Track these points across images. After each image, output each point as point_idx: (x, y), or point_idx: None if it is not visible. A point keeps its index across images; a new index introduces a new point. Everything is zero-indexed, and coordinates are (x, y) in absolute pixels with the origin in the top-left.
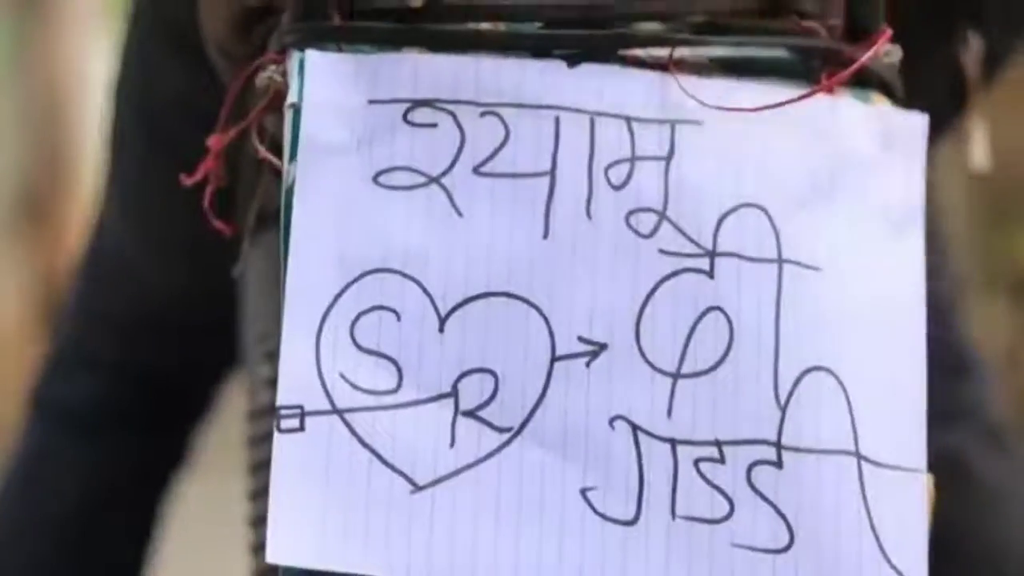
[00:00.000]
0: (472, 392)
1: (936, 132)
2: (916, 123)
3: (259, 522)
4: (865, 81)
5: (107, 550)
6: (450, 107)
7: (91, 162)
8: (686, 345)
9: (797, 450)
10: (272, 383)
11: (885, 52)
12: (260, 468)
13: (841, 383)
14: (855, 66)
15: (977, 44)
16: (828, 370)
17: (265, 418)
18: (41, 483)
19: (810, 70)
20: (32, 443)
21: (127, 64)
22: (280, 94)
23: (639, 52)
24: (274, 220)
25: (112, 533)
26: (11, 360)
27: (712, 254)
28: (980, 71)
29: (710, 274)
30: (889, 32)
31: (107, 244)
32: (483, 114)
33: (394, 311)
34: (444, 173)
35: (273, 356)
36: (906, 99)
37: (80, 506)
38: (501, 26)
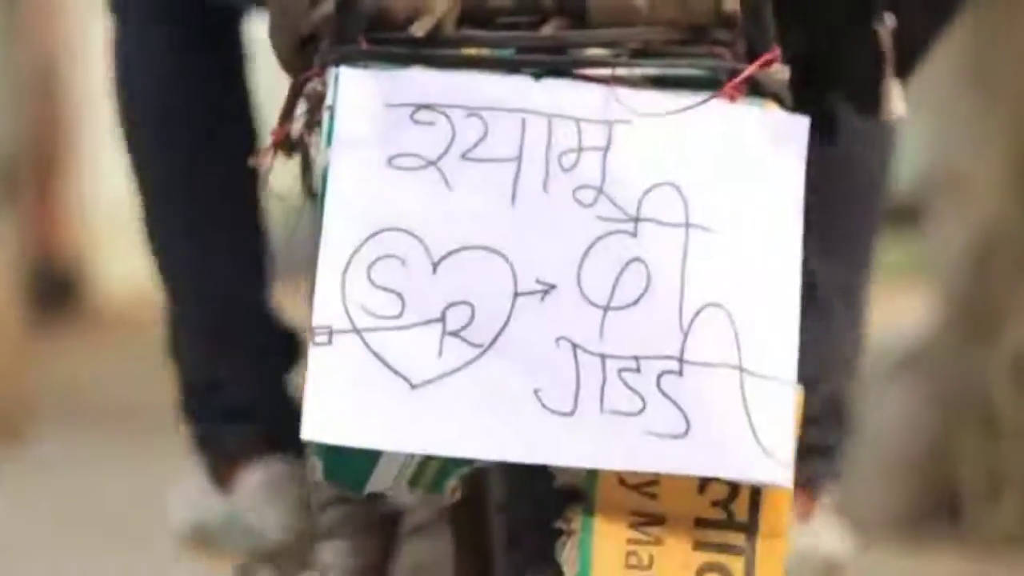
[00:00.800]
0: (455, 318)
1: (861, 102)
2: (799, 123)
3: None
4: (761, 91)
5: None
6: (445, 110)
7: (87, 131)
8: (614, 286)
9: (694, 364)
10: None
11: (776, 70)
12: None
13: (730, 315)
14: (743, 76)
15: (891, 24)
16: (720, 305)
17: None
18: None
19: (719, 84)
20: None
21: None
22: (321, 98)
23: (588, 71)
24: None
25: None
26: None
27: (636, 220)
28: (897, 50)
29: (633, 234)
30: (776, 53)
31: None
32: (469, 115)
33: (399, 258)
34: (439, 158)
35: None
36: (826, 76)
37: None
38: (484, 51)
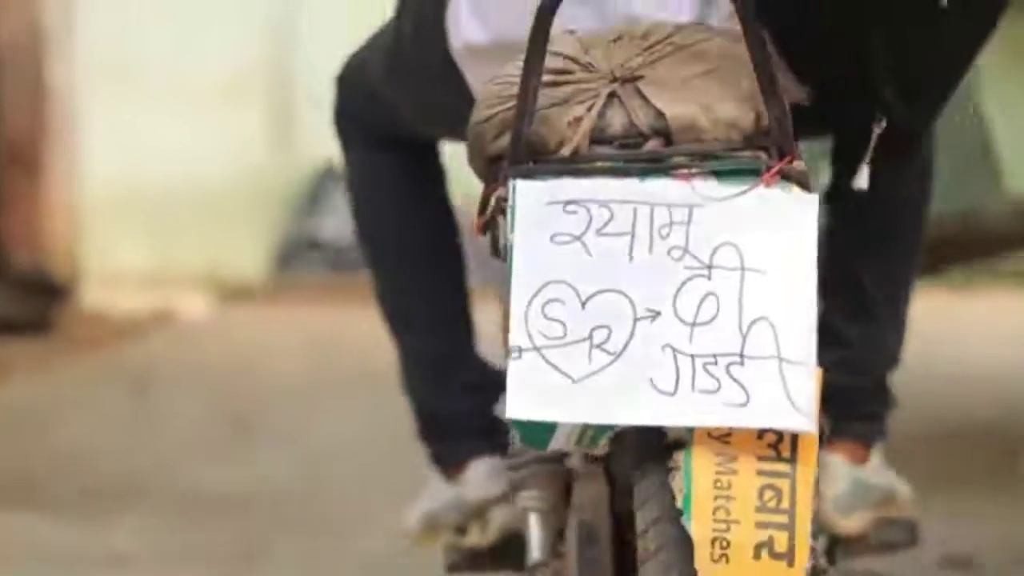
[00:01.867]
0: (598, 337)
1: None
2: (811, 199)
3: None
4: (788, 178)
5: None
6: (585, 203)
7: (75, 109)
8: (697, 311)
9: (750, 357)
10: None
11: (797, 165)
12: None
13: (772, 325)
14: (775, 169)
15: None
16: (765, 318)
17: None
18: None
19: (759, 173)
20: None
21: None
22: (505, 200)
23: (674, 172)
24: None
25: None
26: None
27: (710, 267)
28: (887, 139)
29: (708, 278)
30: (796, 152)
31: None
32: (600, 207)
33: (561, 300)
34: (582, 235)
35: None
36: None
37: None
38: (607, 163)
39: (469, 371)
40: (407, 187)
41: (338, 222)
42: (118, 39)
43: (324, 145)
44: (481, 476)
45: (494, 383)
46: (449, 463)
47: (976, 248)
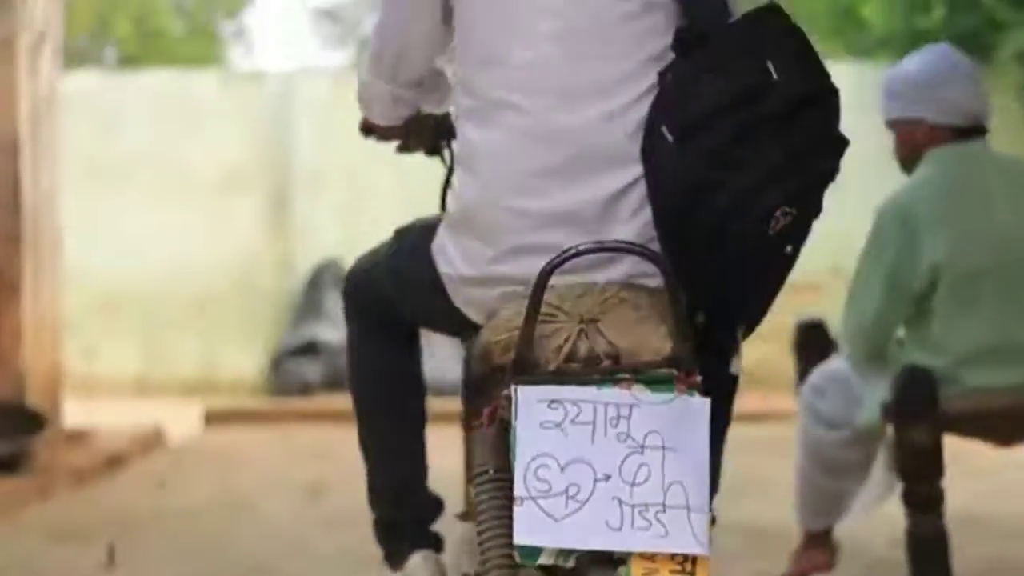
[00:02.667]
0: (571, 491)
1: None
2: (706, 402)
3: None
4: (692, 388)
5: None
6: (563, 402)
7: (55, 220)
8: (635, 475)
9: (669, 507)
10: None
11: (696, 381)
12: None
13: (683, 485)
14: (684, 383)
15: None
16: (679, 482)
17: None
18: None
19: (675, 383)
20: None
21: None
22: (509, 399)
23: (620, 382)
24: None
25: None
26: None
27: (643, 447)
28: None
29: (642, 453)
30: (696, 375)
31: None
32: (573, 404)
33: (548, 466)
34: (560, 424)
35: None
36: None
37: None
38: (578, 376)
39: (418, 495)
40: (392, 360)
41: (334, 326)
42: (105, 139)
43: (320, 241)
44: (419, 565)
45: (435, 504)
46: (396, 560)
47: None
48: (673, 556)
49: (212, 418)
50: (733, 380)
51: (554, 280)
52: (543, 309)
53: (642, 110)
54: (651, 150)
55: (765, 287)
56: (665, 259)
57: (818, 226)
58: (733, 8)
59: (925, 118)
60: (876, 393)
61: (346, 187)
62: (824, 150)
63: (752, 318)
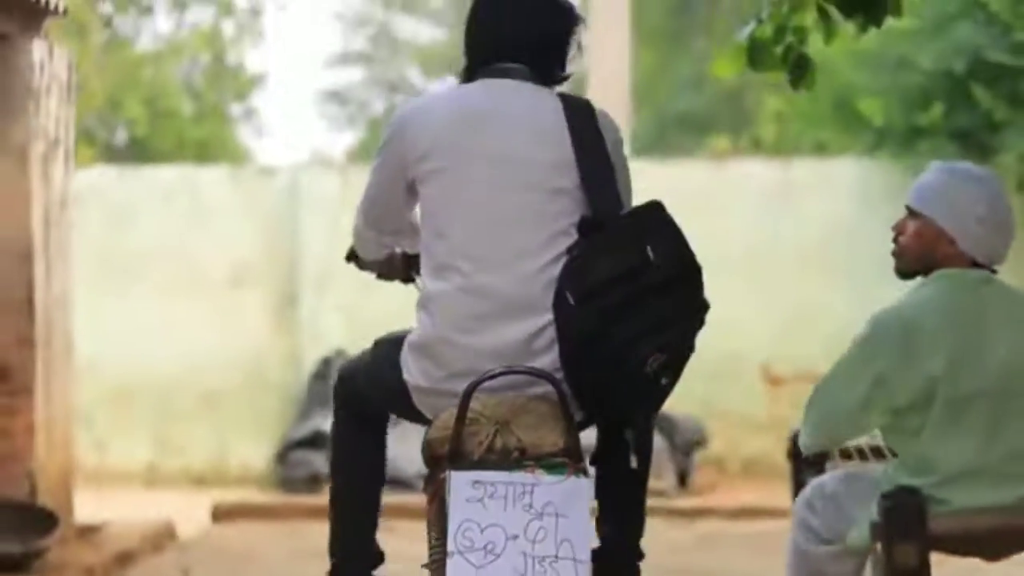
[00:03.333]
0: (488, 547)
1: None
2: (590, 483)
3: None
4: (579, 472)
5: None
6: (484, 483)
7: (68, 320)
8: (536, 534)
9: (560, 558)
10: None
11: (583, 466)
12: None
13: (570, 543)
14: (574, 469)
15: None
16: (568, 540)
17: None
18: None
19: (567, 470)
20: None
21: None
22: (444, 482)
23: (530, 467)
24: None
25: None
26: None
27: (542, 514)
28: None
29: (541, 519)
30: (583, 463)
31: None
32: (490, 484)
33: (471, 529)
34: (482, 498)
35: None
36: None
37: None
38: (494, 464)
39: (368, 548)
40: (364, 443)
41: None
42: (116, 233)
43: (326, 336)
44: None
45: (379, 556)
46: None
47: None
48: None
49: (220, 514)
50: (637, 470)
51: (479, 394)
52: (470, 415)
53: (553, 271)
54: (558, 306)
55: (648, 407)
56: (562, 382)
57: (817, 323)
58: (626, 201)
59: (959, 244)
60: (867, 512)
61: (352, 282)
62: (690, 312)
63: (640, 429)
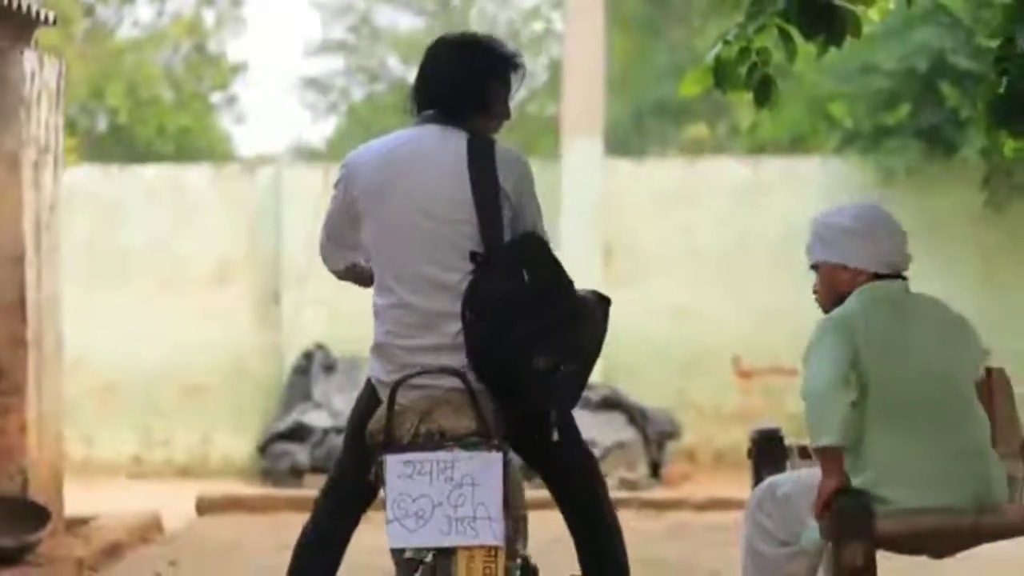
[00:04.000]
0: (419, 514)
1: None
2: (498, 456)
3: None
4: (492, 448)
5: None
6: (412, 462)
7: (59, 314)
8: (457, 502)
9: (477, 518)
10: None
11: (498, 440)
12: None
13: (485, 505)
14: (490, 445)
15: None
16: (483, 503)
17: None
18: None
19: (482, 447)
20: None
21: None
22: (382, 465)
23: (450, 446)
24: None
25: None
26: None
27: (460, 485)
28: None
29: (460, 487)
30: (493, 438)
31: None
32: (418, 462)
33: (405, 500)
34: (412, 474)
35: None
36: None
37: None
38: (421, 446)
39: None
40: (329, 534)
41: (321, 411)
42: (102, 231)
43: (307, 329)
44: None
45: None
46: None
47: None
48: (483, 547)
49: (205, 506)
50: (560, 442)
51: (406, 390)
52: (398, 408)
53: (461, 289)
54: (463, 319)
55: (549, 403)
56: (469, 377)
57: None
58: (535, 224)
59: (848, 264)
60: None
61: (332, 279)
62: (567, 320)
63: (555, 410)
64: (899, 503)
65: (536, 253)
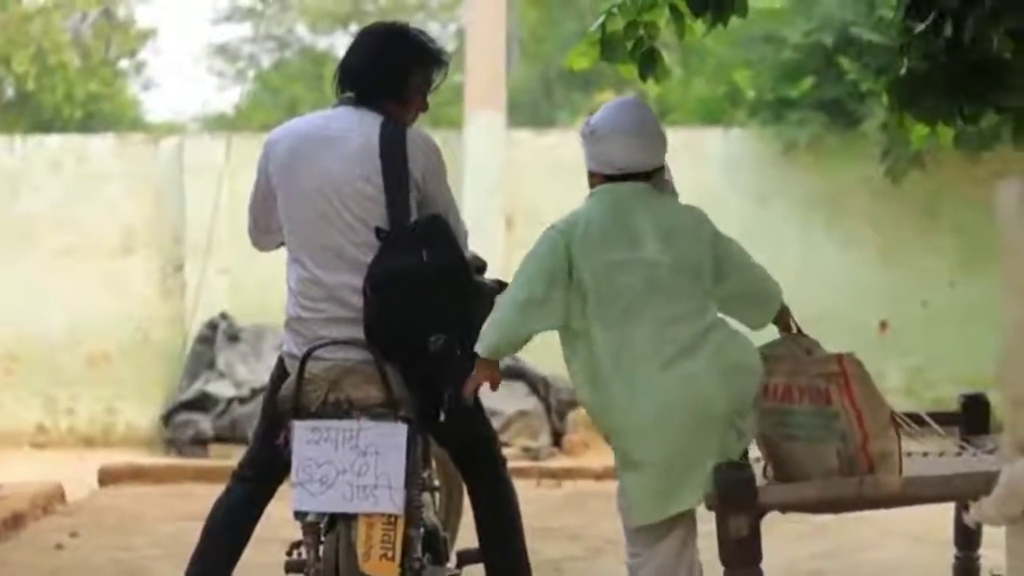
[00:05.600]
0: (323, 479)
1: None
2: (403, 427)
3: None
4: (399, 419)
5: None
6: (320, 429)
7: None
8: (361, 470)
9: (379, 486)
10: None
11: (406, 411)
12: None
13: (387, 474)
14: (399, 417)
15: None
16: (386, 473)
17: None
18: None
19: (390, 418)
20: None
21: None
22: (290, 430)
23: (358, 416)
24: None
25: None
26: None
27: (365, 454)
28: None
29: (365, 456)
30: (399, 410)
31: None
32: (325, 429)
33: (311, 466)
34: (319, 440)
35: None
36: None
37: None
38: (329, 414)
39: None
40: (239, 508)
41: (224, 380)
42: (4, 201)
43: (211, 298)
44: None
45: None
46: None
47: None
48: (383, 515)
49: (107, 477)
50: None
51: (316, 360)
52: (308, 376)
53: (368, 262)
54: (363, 295)
55: (445, 379)
56: (376, 351)
57: None
58: (444, 205)
59: (590, 168)
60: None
61: (236, 248)
62: (463, 298)
63: (450, 387)
64: (645, 462)
65: (437, 234)
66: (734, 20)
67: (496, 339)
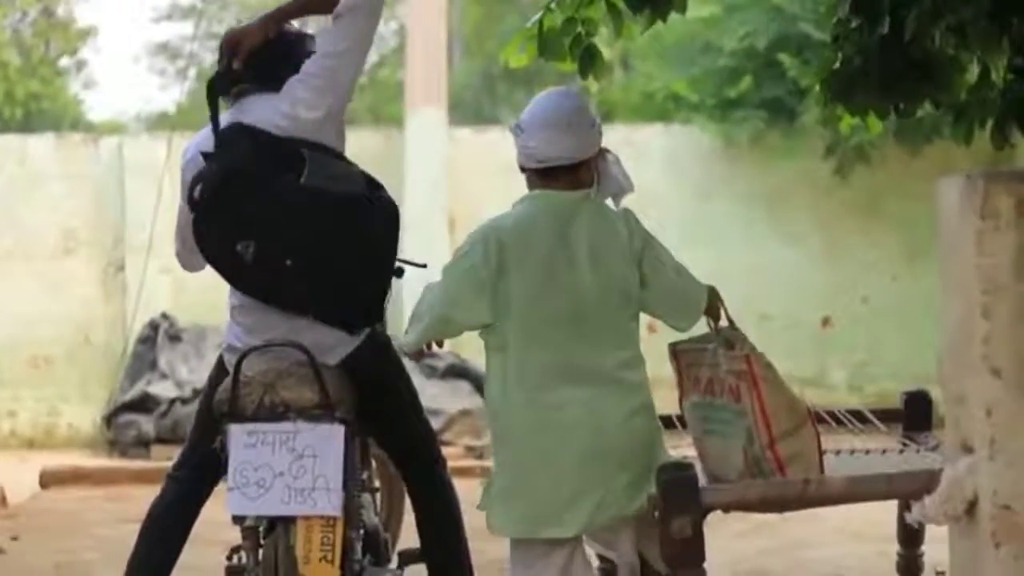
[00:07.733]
0: (260, 483)
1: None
2: (339, 428)
3: None
4: (335, 421)
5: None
6: (256, 432)
7: None
8: (297, 473)
9: (316, 488)
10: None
11: (341, 415)
12: None
13: (324, 476)
14: (333, 419)
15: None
16: (323, 475)
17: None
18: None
19: (325, 420)
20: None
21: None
22: (226, 432)
23: (297, 419)
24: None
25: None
26: None
27: (302, 456)
28: None
29: (302, 459)
30: (335, 412)
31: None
32: (263, 432)
33: (248, 469)
34: (256, 444)
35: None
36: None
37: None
38: (267, 418)
39: None
40: (189, 505)
41: (166, 381)
42: None
43: (153, 299)
44: None
45: None
46: None
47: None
48: (322, 517)
49: (49, 479)
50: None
51: (251, 362)
52: (243, 379)
53: None
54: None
55: (275, 294)
56: (306, 353)
57: None
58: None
59: (519, 162)
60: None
61: None
62: (285, 210)
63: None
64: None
65: (254, 141)
66: (669, 35)
67: (415, 339)
